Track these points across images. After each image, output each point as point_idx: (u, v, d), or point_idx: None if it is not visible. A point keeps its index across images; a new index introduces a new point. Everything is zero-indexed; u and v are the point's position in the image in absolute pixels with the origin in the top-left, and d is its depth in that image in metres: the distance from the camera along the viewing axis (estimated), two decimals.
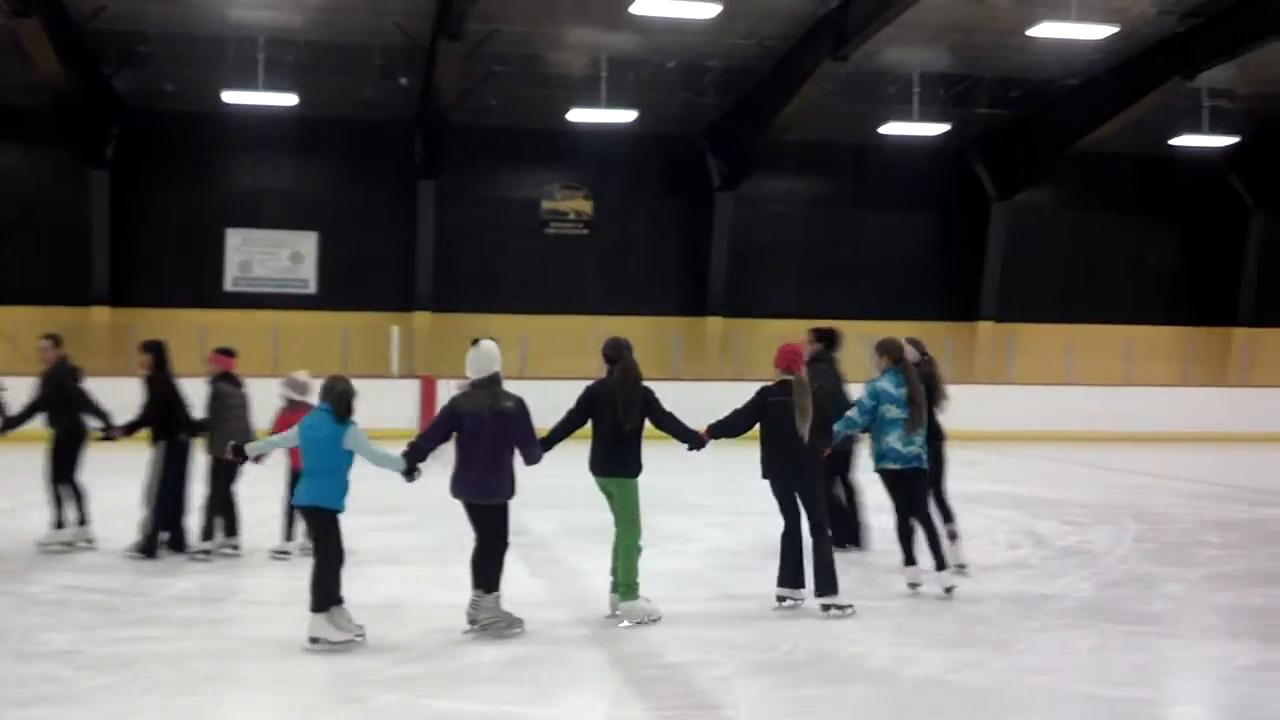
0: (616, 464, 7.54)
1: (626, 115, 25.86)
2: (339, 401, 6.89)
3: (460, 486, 7.09)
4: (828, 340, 10.74)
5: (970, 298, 30.33)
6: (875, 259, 30.24)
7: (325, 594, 6.76)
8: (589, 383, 7.69)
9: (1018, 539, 11.17)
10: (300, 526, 9.20)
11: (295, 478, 9.29)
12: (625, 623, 7.37)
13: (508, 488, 7.06)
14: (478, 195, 28.59)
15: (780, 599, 7.92)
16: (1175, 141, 27.99)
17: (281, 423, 9.19)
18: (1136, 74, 24.50)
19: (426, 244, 27.57)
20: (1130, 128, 26.29)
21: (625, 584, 7.46)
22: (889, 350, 8.80)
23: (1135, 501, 14.31)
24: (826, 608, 7.73)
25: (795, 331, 28.72)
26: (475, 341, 7.26)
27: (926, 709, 5.95)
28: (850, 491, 10.37)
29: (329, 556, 6.82)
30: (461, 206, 28.14)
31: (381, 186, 28.10)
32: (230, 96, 24.45)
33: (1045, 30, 21.14)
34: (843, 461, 10.19)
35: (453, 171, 27.69)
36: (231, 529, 9.83)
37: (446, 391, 26.43)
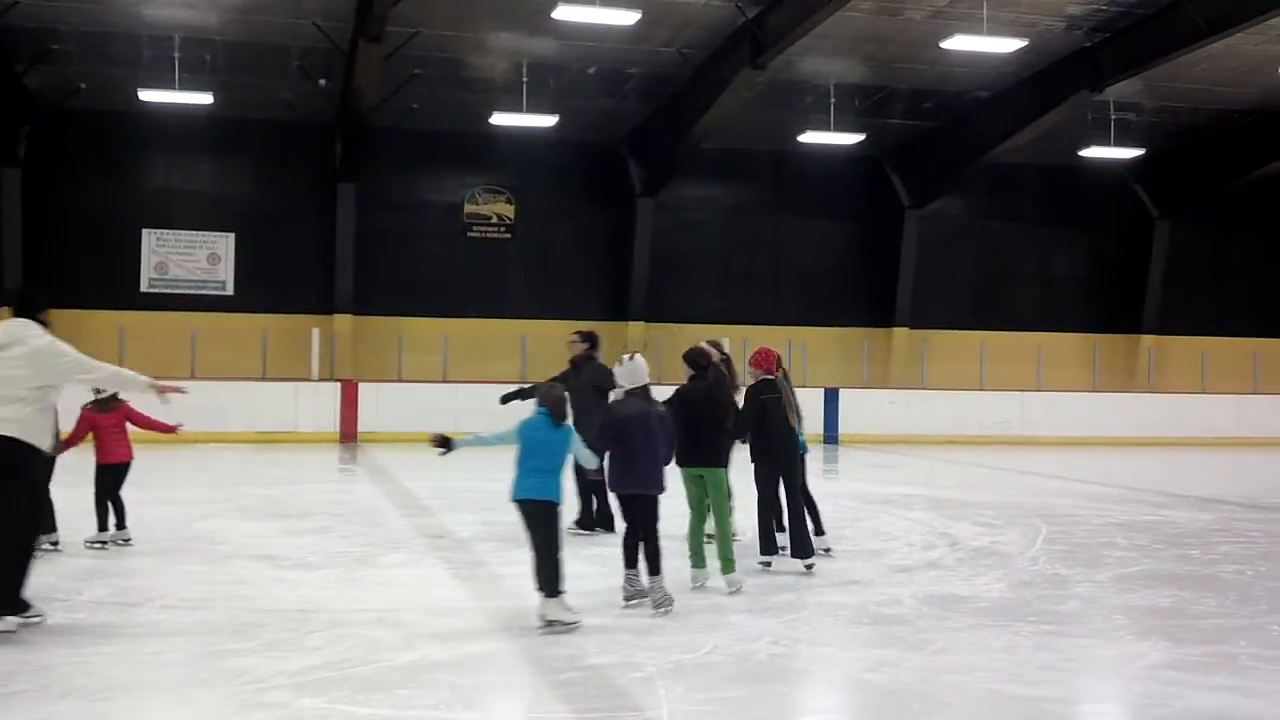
0: (715, 457, 8.82)
1: (548, 120, 25.92)
2: (557, 406, 7.53)
3: (626, 481, 7.98)
4: (592, 341, 11.53)
5: (886, 304, 30.81)
6: (795, 265, 30.61)
7: (556, 579, 7.33)
8: (677, 386, 8.84)
9: (932, 540, 11.40)
10: (113, 519, 10.02)
11: (103, 472, 9.99)
12: (741, 589, 8.52)
13: (664, 480, 8.06)
14: (399, 198, 28.47)
15: (765, 564, 9.45)
16: (1083, 153, 28.71)
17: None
18: (1046, 87, 25.10)
19: (347, 246, 27.37)
20: (1040, 139, 26.93)
21: (727, 559, 8.63)
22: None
23: (1045, 504, 14.66)
24: (809, 566, 9.33)
25: (714, 335, 28.84)
26: (631, 355, 8.25)
27: (846, 708, 6.09)
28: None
29: (551, 544, 7.34)
30: (382, 209, 28.00)
31: (301, 188, 27.87)
32: (146, 95, 24.10)
33: (957, 43, 21.58)
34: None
35: (373, 174, 27.54)
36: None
37: (368, 394, 26.29)
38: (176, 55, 23.42)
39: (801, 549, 9.41)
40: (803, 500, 9.79)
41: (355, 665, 6.48)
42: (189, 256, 27.41)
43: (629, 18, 20.29)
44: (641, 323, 29.15)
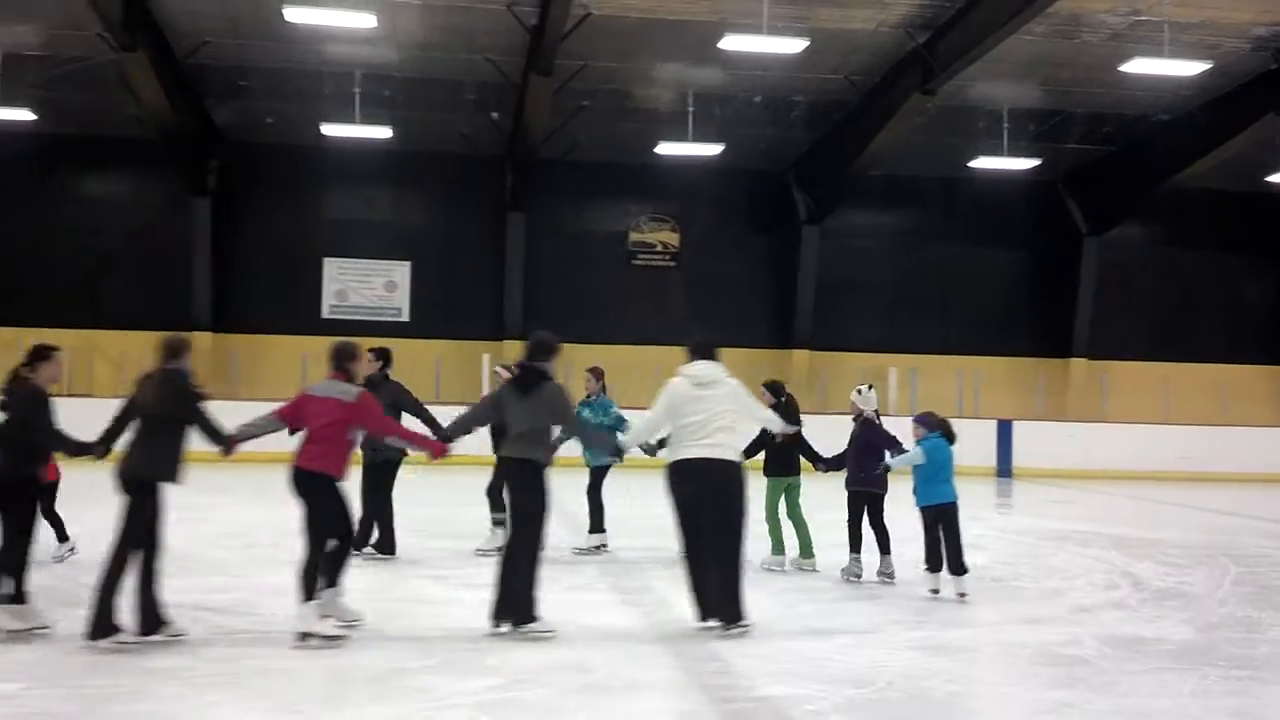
0: (797, 466, 10.98)
1: (713, 149, 26.03)
2: (947, 427, 10.11)
3: (855, 478, 10.42)
4: (386, 359, 11.38)
5: (1062, 334, 29.95)
6: (964, 294, 30.04)
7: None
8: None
9: (1114, 579, 11.00)
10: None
11: (51, 488, 10.06)
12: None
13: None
14: (566, 227, 28.94)
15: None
16: (1271, 178, 27.48)
17: None
18: (1231, 110, 24.15)
19: (516, 274, 27.93)
20: (1224, 163, 25.90)
21: (810, 546, 10.95)
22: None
23: (1233, 542, 14.02)
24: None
25: (883, 366, 28.49)
26: (870, 386, 10.85)
27: None
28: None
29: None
30: (550, 238, 28.50)
31: (472, 218, 28.57)
32: (329, 129, 25.07)
33: (1138, 66, 20.94)
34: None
35: (542, 204, 28.07)
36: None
37: None
38: (357, 91, 24.33)
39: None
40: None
41: (531, 687, 6.56)
42: (367, 284, 28.38)
43: (796, 45, 20.29)
44: (806, 351, 28.95)
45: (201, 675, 6.65)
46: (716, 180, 28.95)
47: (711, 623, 7.86)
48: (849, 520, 10.50)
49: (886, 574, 10.36)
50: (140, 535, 7.36)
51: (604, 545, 11.75)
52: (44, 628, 7.56)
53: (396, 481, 11.10)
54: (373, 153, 27.47)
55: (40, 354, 7.87)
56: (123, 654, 7.06)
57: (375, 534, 10.99)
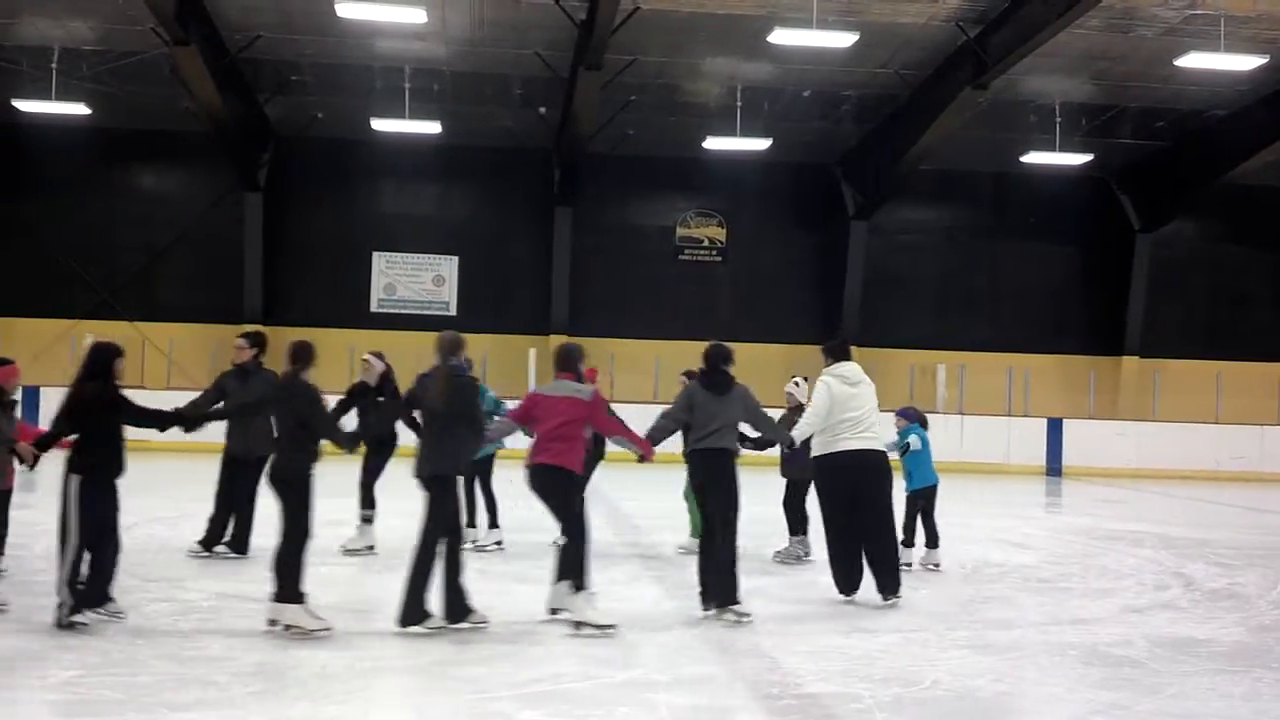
0: None
1: (761, 144, 25.95)
2: (924, 419, 11.28)
3: (794, 466, 10.64)
4: (261, 345, 10.74)
5: (1114, 332, 29.61)
6: (1015, 290, 29.78)
7: None
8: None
9: (1165, 579, 10.87)
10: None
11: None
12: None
13: None
14: (613, 222, 28.96)
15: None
16: None
17: None
18: None
19: (563, 269, 27.99)
20: None
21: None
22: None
23: None
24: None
25: (931, 362, 28.29)
26: (805, 378, 11.04)
27: None
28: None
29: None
30: (597, 232, 28.53)
31: (520, 212, 28.67)
32: (378, 124, 25.24)
33: (1193, 60, 20.67)
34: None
35: (589, 198, 28.10)
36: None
37: None
38: (407, 86, 24.47)
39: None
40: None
41: (575, 680, 6.58)
42: (415, 278, 28.56)
43: (846, 40, 20.18)
44: (854, 347, 28.72)
45: (246, 665, 6.71)
46: (764, 175, 28.86)
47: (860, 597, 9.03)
48: (788, 505, 11.22)
49: (805, 552, 11.09)
50: (446, 526, 7.73)
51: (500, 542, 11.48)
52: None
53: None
54: (421, 147, 27.62)
55: (302, 352, 7.94)
56: (173, 646, 7.14)
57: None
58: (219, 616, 8.11)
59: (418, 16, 19.83)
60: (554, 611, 8.05)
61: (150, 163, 28.16)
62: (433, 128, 25.76)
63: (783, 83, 24.54)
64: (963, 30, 21.19)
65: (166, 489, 15.39)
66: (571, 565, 7.93)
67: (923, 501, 10.93)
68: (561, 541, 8.02)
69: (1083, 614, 9.08)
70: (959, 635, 8.08)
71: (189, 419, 8.29)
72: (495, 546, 11.41)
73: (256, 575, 9.66)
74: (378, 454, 11.11)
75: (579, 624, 7.72)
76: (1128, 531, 14.62)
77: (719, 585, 8.26)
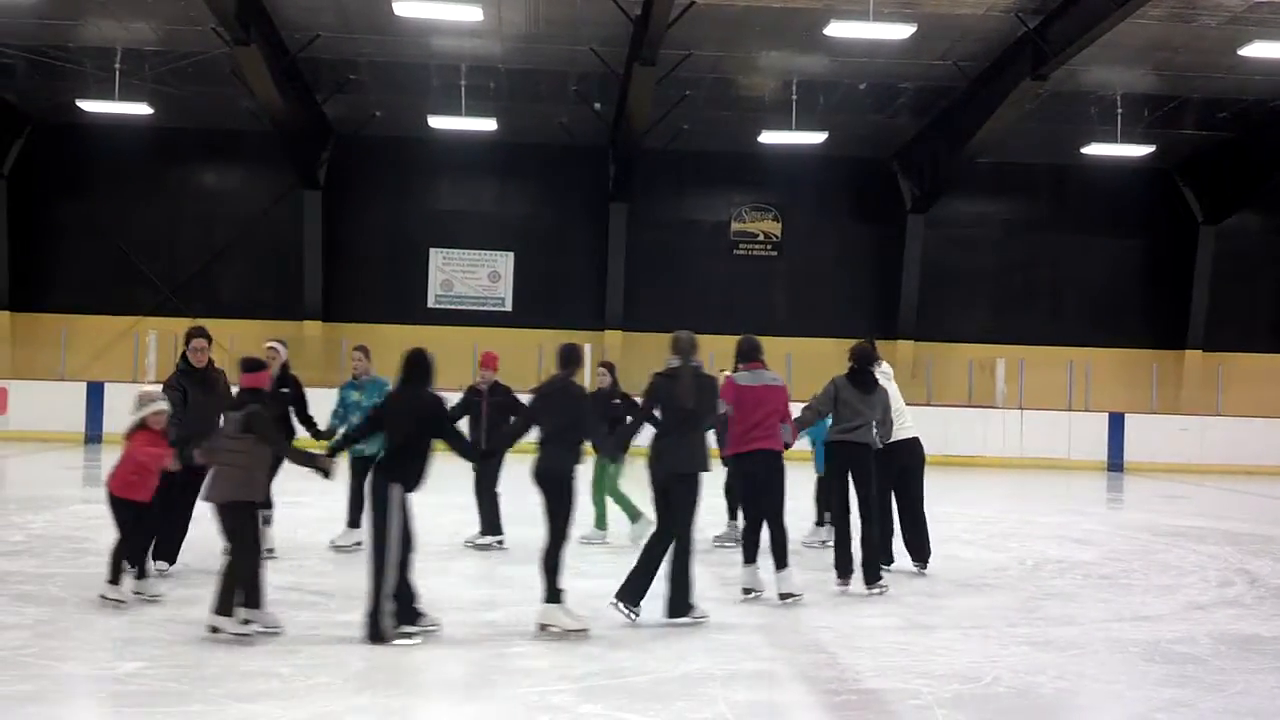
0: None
1: (817, 137, 25.82)
2: None
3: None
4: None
5: (1177, 325, 29.17)
6: (1076, 284, 29.44)
7: None
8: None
9: (1229, 576, 10.71)
10: None
11: None
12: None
13: None
14: (668, 217, 28.95)
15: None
16: None
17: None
18: None
19: (618, 264, 28.03)
20: None
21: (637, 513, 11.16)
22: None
23: None
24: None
25: (990, 357, 27.95)
26: None
27: None
28: None
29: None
30: (652, 228, 28.53)
31: (575, 208, 28.73)
32: (435, 122, 25.41)
33: (1258, 50, 20.34)
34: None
35: (644, 193, 28.11)
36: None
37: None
38: (463, 84, 24.61)
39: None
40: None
41: (633, 674, 6.60)
42: (472, 274, 28.72)
43: (903, 31, 20.02)
44: (910, 342, 28.59)
45: (307, 660, 6.78)
46: (819, 169, 28.71)
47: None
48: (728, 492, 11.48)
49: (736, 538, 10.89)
50: (691, 522, 7.95)
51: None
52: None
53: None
54: (477, 144, 27.76)
55: (572, 355, 8.13)
56: (236, 637, 7.24)
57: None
58: (280, 609, 8.20)
59: (474, 14, 19.93)
60: (747, 591, 8.67)
61: (211, 161, 28.53)
62: (489, 125, 25.90)
63: (839, 76, 24.39)
64: (1022, 21, 20.95)
65: None
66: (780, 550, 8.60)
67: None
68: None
69: (1145, 611, 8.98)
70: (1020, 632, 8.01)
71: (488, 453, 9.11)
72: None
73: (317, 569, 9.79)
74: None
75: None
76: (1190, 528, 14.42)
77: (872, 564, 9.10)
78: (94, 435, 23.95)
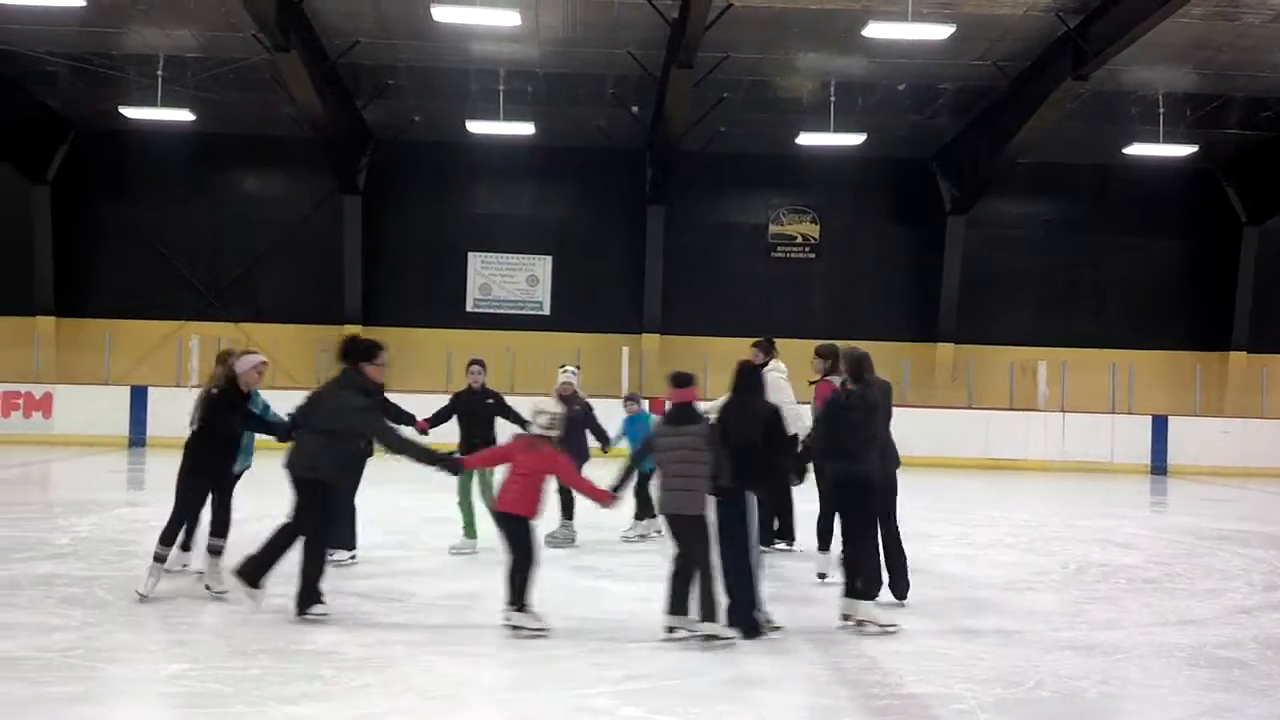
0: None
1: (855, 139, 25.72)
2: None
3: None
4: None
5: (1220, 327, 28.83)
6: (1118, 285, 29.16)
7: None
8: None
9: (1275, 580, 10.58)
10: None
11: None
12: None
13: None
14: (706, 220, 28.91)
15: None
16: None
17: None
18: None
19: (655, 267, 28.03)
20: None
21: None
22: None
23: None
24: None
25: (1032, 359, 27.73)
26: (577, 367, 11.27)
27: None
28: None
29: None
30: (690, 231, 28.51)
31: (613, 212, 28.76)
32: (474, 126, 25.51)
33: None
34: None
35: (681, 196, 28.10)
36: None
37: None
38: (501, 88, 24.70)
39: None
40: None
41: (675, 677, 6.59)
42: (510, 278, 28.80)
43: (942, 32, 19.90)
44: (950, 344, 28.42)
45: (350, 660, 6.83)
46: (858, 170, 28.59)
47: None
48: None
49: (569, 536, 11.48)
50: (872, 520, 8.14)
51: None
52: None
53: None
54: (515, 148, 27.84)
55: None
56: (280, 640, 7.30)
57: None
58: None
59: (512, 19, 19.98)
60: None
61: (252, 167, 28.77)
62: (527, 129, 25.97)
63: (877, 77, 24.29)
64: (1062, 20, 20.79)
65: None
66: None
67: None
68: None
69: (1189, 615, 8.88)
70: (1063, 636, 7.95)
71: None
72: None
73: (360, 571, 9.84)
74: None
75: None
76: (1235, 531, 14.25)
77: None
78: (138, 439, 24.21)
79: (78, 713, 5.82)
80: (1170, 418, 25.55)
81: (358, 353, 8.09)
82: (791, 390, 10.44)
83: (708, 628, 7.31)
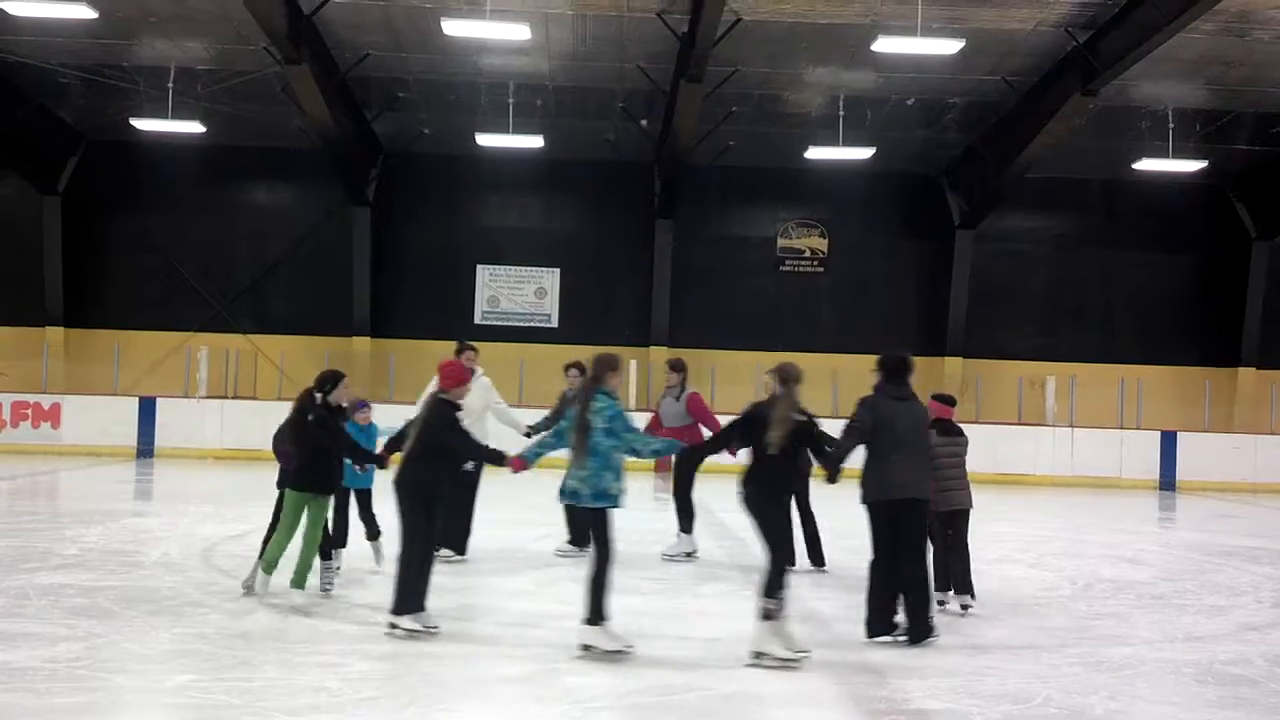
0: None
1: (864, 153, 25.74)
2: None
3: None
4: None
5: (1230, 342, 28.78)
6: (1126, 301, 29.14)
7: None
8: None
9: None
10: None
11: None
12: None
13: None
14: (714, 233, 28.95)
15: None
16: None
17: None
18: None
19: (663, 281, 28.05)
20: None
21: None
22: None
23: None
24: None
25: (1041, 374, 27.67)
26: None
27: None
28: None
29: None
30: (698, 244, 28.54)
31: (621, 225, 28.80)
32: (483, 139, 25.58)
33: None
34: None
35: (690, 210, 28.14)
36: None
37: None
38: (511, 101, 24.76)
39: None
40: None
41: (680, 692, 6.58)
42: (518, 291, 28.85)
43: (951, 47, 19.93)
44: (959, 359, 28.38)
45: (354, 672, 6.84)
46: (867, 185, 28.60)
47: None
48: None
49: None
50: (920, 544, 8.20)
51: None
52: None
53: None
54: (524, 161, 27.90)
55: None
56: (286, 651, 7.29)
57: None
58: (331, 622, 8.26)
59: (522, 33, 20.05)
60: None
61: (262, 179, 28.86)
62: (536, 142, 26.04)
63: (886, 91, 24.32)
64: (1072, 36, 20.80)
65: None
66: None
67: None
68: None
69: (1198, 631, 8.85)
70: (1070, 652, 7.92)
71: None
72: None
73: (369, 582, 9.83)
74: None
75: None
76: (1244, 547, 14.20)
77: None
78: (146, 449, 24.26)
79: None
80: (1179, 433, 25.50)
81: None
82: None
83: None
